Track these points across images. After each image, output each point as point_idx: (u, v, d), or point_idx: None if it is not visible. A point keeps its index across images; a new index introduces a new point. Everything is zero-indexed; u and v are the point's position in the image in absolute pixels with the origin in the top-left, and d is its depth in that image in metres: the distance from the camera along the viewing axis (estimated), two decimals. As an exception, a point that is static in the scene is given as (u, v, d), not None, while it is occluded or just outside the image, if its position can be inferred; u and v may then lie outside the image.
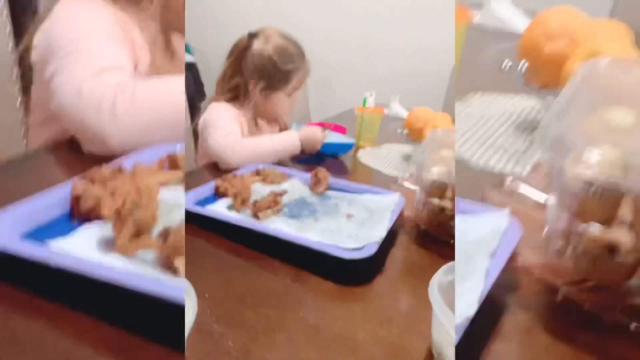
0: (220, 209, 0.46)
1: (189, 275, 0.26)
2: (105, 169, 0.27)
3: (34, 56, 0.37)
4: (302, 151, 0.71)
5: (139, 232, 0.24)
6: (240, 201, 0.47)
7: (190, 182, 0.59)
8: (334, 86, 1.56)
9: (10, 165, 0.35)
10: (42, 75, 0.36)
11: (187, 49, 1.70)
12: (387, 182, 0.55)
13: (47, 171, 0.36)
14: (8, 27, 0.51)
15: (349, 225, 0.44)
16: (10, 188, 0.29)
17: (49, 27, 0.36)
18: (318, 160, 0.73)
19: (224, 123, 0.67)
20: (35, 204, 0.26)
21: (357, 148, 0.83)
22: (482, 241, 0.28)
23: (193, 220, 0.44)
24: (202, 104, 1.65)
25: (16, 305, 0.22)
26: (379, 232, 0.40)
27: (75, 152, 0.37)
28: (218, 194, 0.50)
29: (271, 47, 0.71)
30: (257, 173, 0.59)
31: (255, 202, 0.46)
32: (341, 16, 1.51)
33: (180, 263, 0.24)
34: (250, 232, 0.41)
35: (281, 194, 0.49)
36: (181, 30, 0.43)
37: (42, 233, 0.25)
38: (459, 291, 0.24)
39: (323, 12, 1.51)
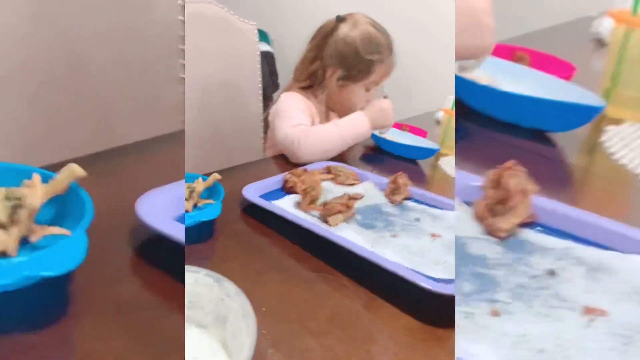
0: (286, 206, 0.42)
1: (245, 280, 0.23)
2: (299, 169, 0.50)
3: (270, 116, 0.69)
4: (373, 128, 0.65)
5: (313, 201, 0.43)
6: (308, 200, 0.42)
7: (256, 172, 0.56)
8: (410, 87, 1.47)
9: (254, 165, 0.63)
10: (272, 124, 0.67)
11: (265, 38, 1.69)
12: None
13: (272, 168, 0.60)
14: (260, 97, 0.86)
15: (434, 247, 0.37)
16: (254, 177, 0.48)
17: (277, 104, 0.68)
18: (392, 163, 0.65)
19: (294, 114, 0.64)
20: (267, 182, 0.48)
21: (439, 155, 0.72)
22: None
23: (256, 214, 0.41)
24: (275, 94, 1.69)
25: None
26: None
27: (286, 161, 0.61)
28: (285, 189, 0.47)
29: (358, 33, 0.66)
30: (328, 170, 0.54)
31: (325, 203, 0.41)
32: (420, 15, 1.41)
33: (332, 221, 0.40)
34: (319, 239, 0.36)
35: (356, 197, 0.44)
36: (336, 110, 0.71)
37: (268, 196, 0.45)
38: None
39: (406, 9, 1.42)
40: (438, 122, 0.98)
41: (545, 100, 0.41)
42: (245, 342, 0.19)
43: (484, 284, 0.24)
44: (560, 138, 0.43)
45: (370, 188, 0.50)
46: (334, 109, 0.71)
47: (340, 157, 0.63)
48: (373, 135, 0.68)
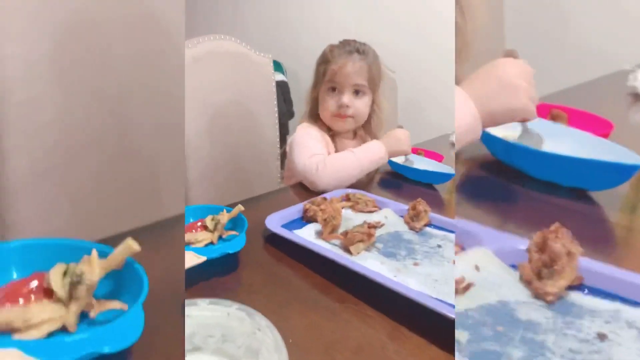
0: (308, 236, 0.43)
1: (271, 312, 0.24)
2: (319, 198, 0.51)
3: (287, 147, 0.72)
4: (390, 156, 0.67)
5: (333, 230, 0.44)
6: (329, 229, 0.43)
7: (275, 202, 0.59)
8: (425, 109, 1.46)
9: (273, 195, 0.65)
10: (290, 155, 0.69)
11: (279, 68, 1.78)
12: (494, 224, 0.44)
13: (291, 197, 0.62)
14: (277, 126, 0.90)
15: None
16: (274, 206, 0.49)
17: (293, 136, 0.71)
18: (410, 188, 0.66)
19: (310, 144, 0.67)
20: (288, 212, 0.49)
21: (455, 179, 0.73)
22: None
23: (278, 243, 0.42)
24: (290, 122, 1.75)
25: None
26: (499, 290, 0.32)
27: (305, 189, 0.63)
28: (306, 218, 0.48)
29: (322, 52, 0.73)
30: (347, 198, 0.55)
31: (347, 232, 0.41)
32: (433, 38, 1.42)
33: (353, 250, 0.40)
34: (341, 268, 0.36)
35: (376, 225, 0.44)
36: (322, 118, 0.75)
37: (289, 225, 0.46)
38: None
39: (416, 33, 1.44)
40: (453, 144, 0.96)
41: (583, 160, 0.41)
42: None
43: (534, 350, 0.24)
44: (600, 196, 0.42)
45: (390, 215, 0.50)
46: (325, 121, 0.74)
47: (358, 184, 0.64)
48: (390, 162, 0.70)
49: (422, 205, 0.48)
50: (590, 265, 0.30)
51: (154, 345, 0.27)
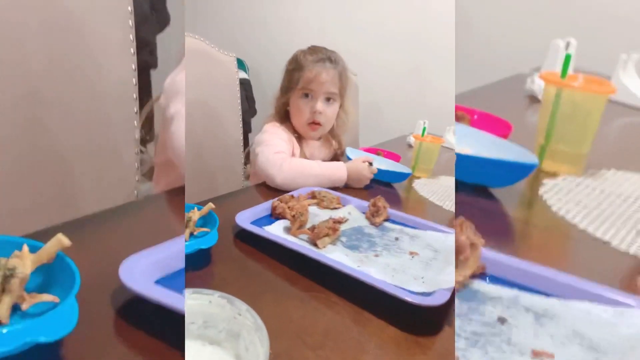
0: (277, 232, 0.45)
1: (245, 302, 0.25)
2: (286, 196, 0.53)
3: (254, 144, 0.73)
4: (346, 185, 0.69)
5: (301, 226, 0.46)
6: (297, 225, 0.45)
7: (243, 200, 0.60)
8: (384, 112, 1.54)
9: (240, 193, 0.68)
10: (254, 150, 0.71)
11: (242, 66, 1.76)
12: (446, 219, 0.49)
13: (258, 196, 0.63)
14: (240, 124, 0.88)
15: (413, 264, 0.41)
16: (242, 204, 0.50)
17: (260, 134, 0.74)
18: (369, 185, 0.70)
19: (276, 142, 0.69)
20: (257, 209, 0.50)
21: (412, 178, 0.78)
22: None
23: (248, 239, 0.43)
24: (253, 120, 1.71)
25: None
26: (450, 278, 0.35)
27: (270, 189, 0.65)
28: (274, 215, 0.49)
29: (292, 56, 0.74)
30: (313, 196, 0.57)
31: (314, 227, 0.44)
32: (394, 42, 1.51)
33: (320, 243, 0.42)
34: (309, 260, 0.39)
35: (340, 221, 0.47)
36: (293, 122, 0.78)
37: (258, 222, 0.48)
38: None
39: (377, 37, 1.53)
40: (410, 146, 1.03)
41: (485, 159, 0.44)
42: (260, 352, 0.22)
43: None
44: (500, 193, 0.46)
45: (353, 211, 0.53)
46: (295, 126, 0.76)
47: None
48: (349, 159, 0.73)
49: (381, 202, 0.51)
50: (492, 255, 0.32)
51: (85, 336, 0.27)
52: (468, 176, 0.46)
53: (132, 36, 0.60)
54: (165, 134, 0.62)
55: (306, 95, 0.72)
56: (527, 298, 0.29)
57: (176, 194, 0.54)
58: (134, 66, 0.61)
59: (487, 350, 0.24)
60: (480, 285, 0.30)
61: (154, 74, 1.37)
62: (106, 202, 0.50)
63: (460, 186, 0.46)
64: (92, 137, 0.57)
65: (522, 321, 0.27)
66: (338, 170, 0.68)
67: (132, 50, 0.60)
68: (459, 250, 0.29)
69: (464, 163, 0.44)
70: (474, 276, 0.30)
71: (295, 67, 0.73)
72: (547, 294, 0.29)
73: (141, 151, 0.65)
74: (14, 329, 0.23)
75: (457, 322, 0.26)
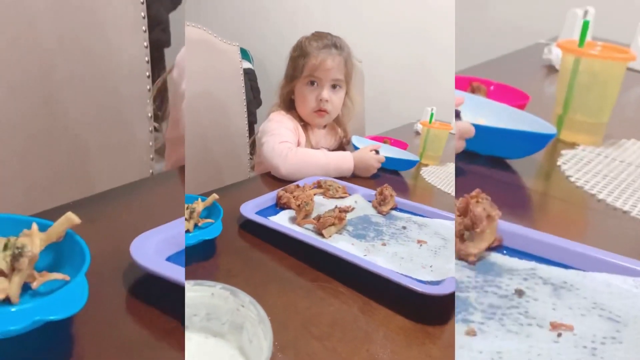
0: (282, 222, 0.44)
1: (250, 293, 0.25)
2: (291, 186, 0.53)
3: (259, 134, 0.73)
4: (353, 174, 0.67)
5: (307, 215, 0.45)
6: (303, 214, 0.44)
7: (248, 190, 0.59)
8: (390, 100, 1.52)
9: (245, 183, 0.67)
10: (260, 140, 0.70)
11: (246, 56, 1.74)
12: (454, 206, 0.48)
13: (263, 186, 0.62)
14: (245, 114, 0.86)
15: (421, 253, 0.40)
16: (247, 195, 0.49)
17: (266, 122, 0.72)
18: (376, 174, 0.69)
19: (282, 132, 0.68)
20: (261, 199, 0.49)
21: (420, 165, 0.77)
22: None
23: (253, 229, 0.43)
24: (258, 111, 1.69)
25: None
26: (459, 266, 0.34)
27: (274, 179, 0.63)
28: (279, 205, 0.49)
29: (297, 42, 0.72)
30: (319, 185, 0.56)
31: (319, 217, 0.43)
32: (399, 29, 1.47)
33: (326, 233, 0.42)
34: (314, 250, 0.38)
35: (347, 209, 0.46)
36: (298, 111, 0.75)
37: (263, 212, 0.47)
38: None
39: (382, 24, 1.49)
40: (418, 133, 1.02)
41: (501, 130, 0.43)
42: (263, 344, 0.22)
43: (459, 306, 0.26)
44: (517, 164, 0.45)
45: (359, 200, 0.53)
46: (300, 114, 0.74)
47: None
48: (356, 148, 0.72)
49: (388, 190, 0.51)
50: (509, 227, 0.32)
51: (96, 314, 0.27)
52: (484, 148, 0.45)
53: (143, 13, 0.59)
54: (177, 110, 0.62)
55: (312, 82, 0.71)
56: (545, 270, 0.28)
57: (271, 177, 0.61)
58: (146, 44, 0.60)
59: (504, 322, 0.24)
60: (497, 257, 0.29)
61: (167, 52, 1.36)
62: (120, 180, 0.50)
63: (476, 158, 0.45)
64: (105, 115, 0.57)
65: (540, 293, 0.26)
66: (345, 160, 0.67)
67: (143, 28, 0.59)
68: (475, 222, 0.29)
69: (480, 134, 0.43)
70: (490, 249, 0.30)
71: (299, 54, 0.71)
72: (565, 266, 0.28)
73: (155, 129, 0.64)
74: (24, 307, 0.23)
75: (458, 308, 0.25)
